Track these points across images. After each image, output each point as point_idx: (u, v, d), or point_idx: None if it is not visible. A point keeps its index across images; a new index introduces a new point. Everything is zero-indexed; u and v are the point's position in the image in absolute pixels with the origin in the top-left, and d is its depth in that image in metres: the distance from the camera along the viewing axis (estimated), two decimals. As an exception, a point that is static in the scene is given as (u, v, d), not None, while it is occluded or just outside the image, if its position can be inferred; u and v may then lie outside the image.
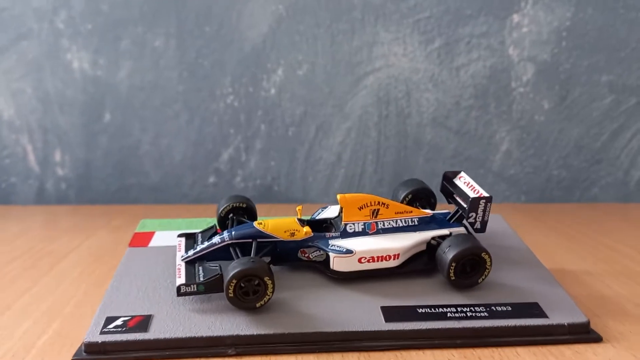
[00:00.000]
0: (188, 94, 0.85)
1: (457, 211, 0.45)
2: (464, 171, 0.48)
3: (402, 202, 0.49)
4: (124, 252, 0.55)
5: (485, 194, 0.43)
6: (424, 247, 0.43)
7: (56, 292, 0.46)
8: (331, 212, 0.45)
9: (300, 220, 0.43)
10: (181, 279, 0.39)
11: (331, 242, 0.42)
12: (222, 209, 0.46)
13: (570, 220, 0.76)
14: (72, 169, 0.87)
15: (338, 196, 0.42)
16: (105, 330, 0.36)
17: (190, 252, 0.42)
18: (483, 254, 0.40)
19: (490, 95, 0.87)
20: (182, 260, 0.42)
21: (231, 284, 0.37)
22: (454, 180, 0.47)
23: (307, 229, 0.41)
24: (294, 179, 0.87)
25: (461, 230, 0.44)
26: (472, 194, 0.44)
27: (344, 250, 0.41)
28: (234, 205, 0.46)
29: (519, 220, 0.74)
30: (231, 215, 0.46)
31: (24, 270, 0.51)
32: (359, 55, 0.85)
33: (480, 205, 0.43)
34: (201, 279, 0.39)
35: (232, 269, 0.37)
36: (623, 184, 0.90)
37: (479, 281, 0.41)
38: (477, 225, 0.43)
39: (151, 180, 0.87)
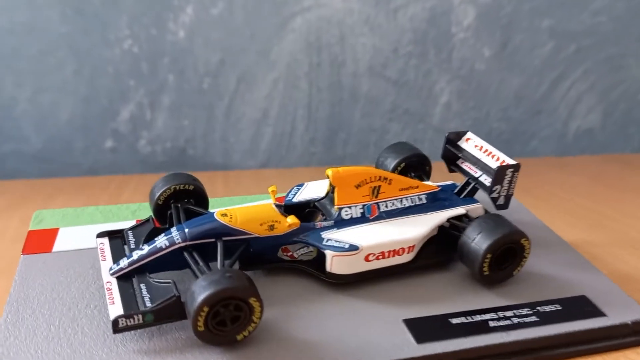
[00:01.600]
0: (74, 37, 0.68)
1: (467, 182, 0.35)
2: (470, 131, 0.39)
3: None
4: (11, 260, 0.39)
5: (511, 161, 0.34)
6: (435, 232, 0.33)
7: None
8: (311, 191, 0.34)
9: (277, 206, 0.31)
10: (116, 307, 0.26)
11: (324, 234, 0.30)
12: (159, 194, 0.33)
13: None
14: None
15: (329, 172, 0.31)
16: None
17: (124, 263, 0.29)
18: (523, 240, 0.31)
19: (429, 42, 0.79)
20: (112, 274, 0.28)
21: (201, 313, 0.24)
22: (460, 143, 0.37)
23: (292, 219, 0.29)
24: (212, 141, 0.75)
25: (478, 207, 0.35)
26: (492, 162, 0.34)
27: (347, 246, 0.29)
28: (177, 187, 0.33)
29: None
30: (173, 202, 0.32)
31: None
32: (285, -9, 0.73)
33: (506, 176, 0.33)
34: (148, 304, 0.26)
35: (199, 289, 0.24)
36: (562, 135, 0.88)
37: (514, 274, 0.32)
38: (501, 200, 0.34)
39: (32, 147, 0.71)
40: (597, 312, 0.31)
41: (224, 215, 0.30)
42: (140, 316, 0.26)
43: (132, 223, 0.35)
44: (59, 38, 0.68)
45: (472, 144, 0.37)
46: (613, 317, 0.31)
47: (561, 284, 0.33)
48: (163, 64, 0.72)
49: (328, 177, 0.31)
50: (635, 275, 0.39)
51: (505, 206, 0.35)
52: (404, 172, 0.38)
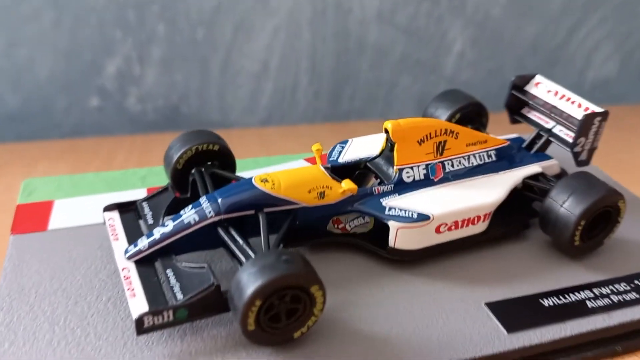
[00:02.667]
0: None
1: (537, 135, 0.30)
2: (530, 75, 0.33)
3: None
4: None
5: (597, 108, 0.28)
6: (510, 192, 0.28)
7: None
8: (359, 149, 0.28)
9: (327, 169, 0.25)
10: (139, 301, 0.20)
11: (385, 201, 0.25)
12: (178, 156, 0.27)
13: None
14: None
15: (387, 124, 0.25)
16: None
17: (143, 243, 0.23)
18: (620, 202, 0.26)
19: (442, -16, 0.74)
20: (129, 258, 0.22)
21: (252, 308, 0.19)
22: (528, 89, 0.32)
23: (347, 183, 0.24)
24: (207, 97, 0.69)
25: (554, 163, 0.29)
26: (574, 109, 0.29)
27: (415, 215, 0.24)
28: (199, 148, 0.27)
29: None
30: (195, 167, 0.26)
31: None
32: None
33: (593, 126, 0.28)
34: (179, 295, 0.20)
35: (250, 278, 0.19)
36: (578, 85, 0.84)
37: (604, 241, 0.27)
38: (584, 155, 0.29)
39: (7, 107, 0.65)
40: None
41: (265, 181, 0.24)
42: (170, 312, 0.20)
43: (143, 192, 0.30)
44: None
45: (543, 88, 0.31)
46: None
47: None
48: (151, 12, 0.65)
49: (386, 131, 0.26)
50: None
51: (587, 162, 0.30)
52: (459, 123, 0.33)
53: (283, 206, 0.24)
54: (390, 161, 0.26)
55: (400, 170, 0.26)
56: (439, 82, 0.78)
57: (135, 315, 0.20)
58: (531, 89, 0.32)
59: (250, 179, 0.25)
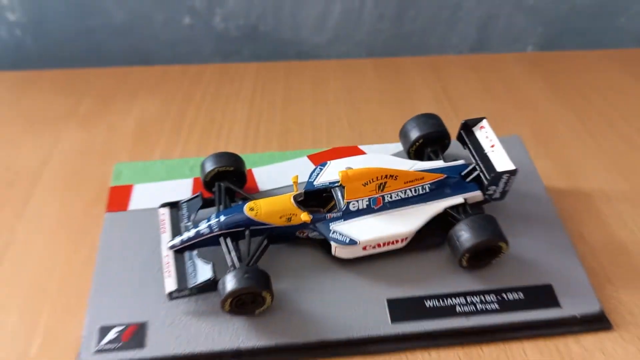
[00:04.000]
0: None
1: (473, 168, 0.40)
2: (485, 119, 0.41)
3: (412, 147, 0.43)
4: (99, 173, 0.50)
5: (511, 167, 0.37)
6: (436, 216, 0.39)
7: (34, 257, 0.43)
8: (331, 172, 0.40)
9: (297, 197, 0.38)
10: (171, 281, 0.36)
11: (332, 226, 0.37)
12: (207, 173, 0.40)
13: (589, 78, 0.69)
14: (24, 13, 0.75)
15: (339, 174, 0.37)
16: (99, 348, 0.35)
17: (177, 240, 0.38)
18: (501, 244, 0.37)
19: None
20: (170, 248, 0.38)
21: (227, 300, 0.34)
22: (474, 130, 0.40)
23: (304, 215, 0.36)
24: (282, 17, 0.77)
25: (477, 195, 0.39)
26: (496, 162, 0.38)
27: (347, 240, 0.37)
28: (220, 169, 0.40)
29: (535, 76, 0.68)
30: (218, 184, 0.40)
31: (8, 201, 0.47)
32: None
33: (502, 179, 0.37)
34: (193, 280, 0.36)
35: (228, 282, 0.34)
36: None
37: (491, 262, 0.38)
38: (497, 195, 0.39)
39: (115, 21, 0.76)
40: (554, 303, 0.37)
41: (251, 209, 0.37)
42: (187, 291, 0.36)
43: (190, 181, 0.44)
44: None
45: (484, 134, 0.40)
46: (565, 309, 0.37)
47: (535, 271, 0.38)
48: None
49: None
50: (619, 249, 0.43)
51: (501, 199, 0.39)
52: (421, 147, 0.43)
53: (262, 226, 0.37)
54: (343, 193, 0.38)
55: (348, 202, 0.38)
56: (503, 5, 0.79)
57: (167, 290, 0.36)
58: (477, 132, 0.40)
59: (243, 205, 0.38)
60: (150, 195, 0.43)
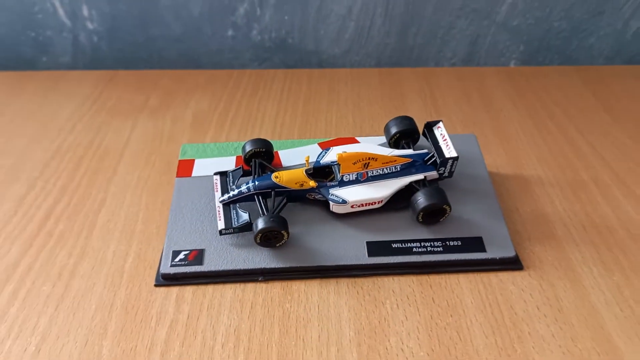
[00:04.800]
0: None
1: (432, 155, 0.57)
2: (442, 122, 0.58)
3: (391, 138, 0.60)
4: (167, 150, 0.69)
5: (454, 154, 0.54)
6: (404, 187, 0.56)
7: (124, 206, 0.61)
8: (332, 156, 0.57)
9: (307, 170, 0.55)
10: (221, 223, 0.54)
11: (331, 190, 0.55)
12: (246, 152, 0.58)
13: (555, 93, 0.84)
14: (100, 23, 0.93)
15: (336, 155, 0.54)
16: (173, 263, 0.53)
17: (225, 197, 0.56)
18: (445, 206, 0.53)
19: (501, -52, 0.87)
20: (220, 202, 0.56)
21: (257, 235, 0.52)
22: (434, 129, 0.57)
23: (312, 182, 0.54)
24: (306, 31, 0.93)
25: (434, 174, 0.56)
26: (445, 151, 0.55)
27: (340, 200, 0.54)
28: (256, 150, 0.58)
29: (507, 87, 0.84)
30: (254, 160, 0.58)
31: (94, 176, 0.66)
32: None
33: (448, 163, 0.55)
34: (235, 224, 0.54)
35: (258, 224, 0.51)
36: (621, 33, 0.95)
37: (440, 221, 0.55)
38: (446, 174, 0.56)
39: (173, 32, 0.94)
40: (482, 249, 0.54)
41: (276, 177, 0.55)
42: (231, 229, 0.53)
43: (233, 159, 0.62)
44: None
45: (440, 132, 0.57)
46: (490, 253, 0.54)
47: (471, 227, 0.55)
48: None
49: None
50: (542, 218, 0.60)
51: (449, 177, 0.56)
52: (398, 139, 0.60)
53: (283, 189, 0.55)
54: (339, 168, 0.55)
55: (342, 175, 0.55)
56: (490, 26, 0.95)
57: (219, 228, 0.53)
58: (435, 130, 0.57)
59: (270, 174, 0.55)
60: (207, 166, 0.61)
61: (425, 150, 0.58)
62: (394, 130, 0.59)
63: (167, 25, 0.93)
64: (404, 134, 0.59)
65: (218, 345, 0.47)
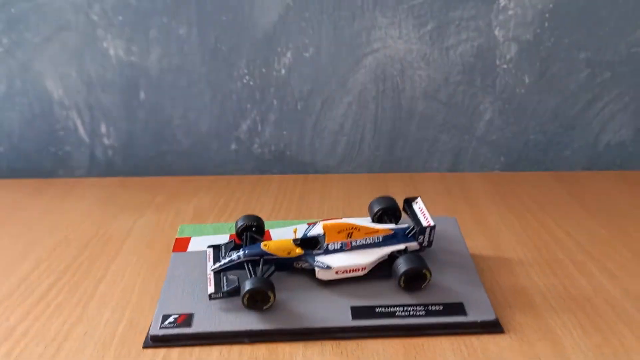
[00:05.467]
0: (210, 75, 0.98)
1: (412, 228, 0.61)
2: (420, 197, 0.63)
3: (375, 215, 0.65)
4: (168, 236, 0.73)
5: (432, 223, 0.58)
6: (386, 257, 0.59)
7: (122, 280, 0.65)
8: (318, 228, 0.62)
9: (295, 240, 0.59)
10: (211, 288, 0.56)
11: (317, 258, 0.58)
12: (238, 227, 0.63)
13: (534, 192, 0.90)
14: (116, 139, 1.03)
15: (321, 225, 0.58)
16: (162, 326, 0.54)
17: (217, 265, 0.59)
18: (425, 271, 0.56)
19: (476, 72, 0.98)
20: (212, 270, 0.59)
21: (245, 296, 0.54)
22: (412, 204, 0.62)
23: (299, 250, 0.57)
24: (303, 145, 1.02)
25: (414, 245, 0.60)
26: (423, 221, 0.59)
27: (325, 266, 0.57)
28: (247, 224, 0.63)
29: (488, 188, 0.89)
30: (245, 234, 0.62)
31: (95, 258, 0.70)
32: (359, 38, 0.96)
33: (426, 231, 0.58)
34: (225, 288, 0.56)
35: (246, 285, 0.54)
36: (593, 146, 1.02)
37: (422, 287, 0.58)
38: (425, 243, 0.59)
39: (183, 147, 1.03)
40: (463, 313, 0.55)
41: (265, 245, 0.59)
42: (220, 293, 0.56)
43: (226, 237, 0.66)
44: (200, 76, 0.98)
45: (418, 207, 0.62)
46: (470, 317, 0.55)
47: (450, 294, 0.57)
48: (270, 92, 0.99)
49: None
50: (522, 290, 0.62)
51: (429, 246, 0.60)
52: (381, 215, 0.65)
53: (271, 256, 0.58)
54: (325, 238, 0.59)
55: (327, 244, 0.59)
56: (471, 140, 1.03)
57: (208, 292, 0.56)
58: (414, 204, 0.62)
59: (260, 243, 0.59)
60: (202, 243, 0.65)
61: (406, 225, 0.62)
62: (376, 207, 0.64)
63: (178, 142, 1.02)
64: (386, 211, 0.64)
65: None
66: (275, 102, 0.99)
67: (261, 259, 0.57)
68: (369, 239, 0.59)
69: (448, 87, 0.98)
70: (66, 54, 0.96)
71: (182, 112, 1.00)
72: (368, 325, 0.54)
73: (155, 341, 0.53)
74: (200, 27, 0.94)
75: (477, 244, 0.70)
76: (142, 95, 0.99)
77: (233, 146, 1.02)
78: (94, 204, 0.86)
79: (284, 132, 1.01)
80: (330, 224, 0.57)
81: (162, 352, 0.53)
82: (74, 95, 0.99)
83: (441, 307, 0.56)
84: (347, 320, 0.54)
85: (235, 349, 0.53)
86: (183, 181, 0.94)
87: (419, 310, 0.55)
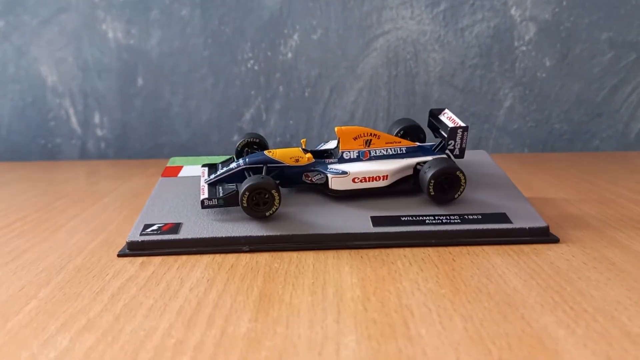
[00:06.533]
0: (212, 59, 0.92)
1: (440, 142, 0.52)
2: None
3: (396, 135, 0.56)
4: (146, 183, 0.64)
5: (462, 124, 0.50)
6: (410, 172, 0.50)
7: (101, 217, 0.55)
8: (331, 144, 0.53)
9: (304, 149, 0.50)
10: (204, 195, 0.47)
11: (330, 166, 0.49)
12: (238, 143, 0.54)
13: (568, 167, 0.81)
14: (110, 130, 0.96)
15: (336, 128, 0.50)
16: (144, 232, 0.45)
17: (212, 176, 0.50)
18: (457, 173, 0.47)
19: (494, 55, 0.92)
20: (206, 182, 0.50)
21: (245, 195, 0.45)
22: (439, 116, 0.54)
23: (309, 155, 0.48)
24: (310, 136, 0.94)
25: (442, 156, 0.51)
26: (452, 125, 0.50)
27: (340, 171, 0.48)
28: (249, 140, 0.54)
29: (519, 167, 0.80)
30: (246, 149, 0.54)
31: (73, 203, 0.60)
32: (369, 19, 0.91)
33: (458, 134, 0.49)
34: (221, 194, 0.47)
35: (245, 183, 0.45)
36: (623, 135, 0.94)
37: (456, 197, 0.48)
38: (456, 151, 0.50)
39: (182, 138, 0.95)
40: (507, 221, 0.45)
41: (269, 152, 0.50)
42: (215, 200, 0.46)
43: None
44: (202, 60, 0.93)
45: (446, 116, 0.53)
46: (517, 224, 0.45)
47: (491, 206, 0.47)
48: (275, 78, 0.94)
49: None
50: (572, 216, 0.52)
51: (460, 156, 0.50)
52: (402, 137, 0.56)
53: (276, 164, 0.49)
54: (339, 148, 0.50)
55: (342, 152, 0.50)
56: (491, 129, 0.96)
57: (200, 199, 0.47)
58: (441, 116, 0.54)
59: (264, 151, 0.50)
60: (196, 171, 0.56)
61: (433, 143, 0.53)
62: (396, 128, 0.55)
63: (177, 134, 0.95)
64: (408, 131, 0.55)
65: (185, 289, 0.37)
66: (281, 88, 0.93)
67: (264, 167, 0.48)
68: (391, 150, 0.50)
69: (464, 72, 0.93)
70: (64, 37, 0.92)
71: (181, 99, 0.94)
72: (393, 232, 0.44)
73: (133, 249, 0.43)
74: (204, 8, 0.91)
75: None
76: (139, 81, 0.93)
77: (235, 137, 0.95)
78: (80, 176, 0.78)
79: (291, 122, 0.94)
80: (346, 128, 0.49)
81: (139, 260, 0.42)
82: (69, 81, 0.93)
83: (480, 217, 0.46)
84: (367, 227, 0.44)
85: (231, 257, 0.43)
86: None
87: (454, 219, 0.45)
